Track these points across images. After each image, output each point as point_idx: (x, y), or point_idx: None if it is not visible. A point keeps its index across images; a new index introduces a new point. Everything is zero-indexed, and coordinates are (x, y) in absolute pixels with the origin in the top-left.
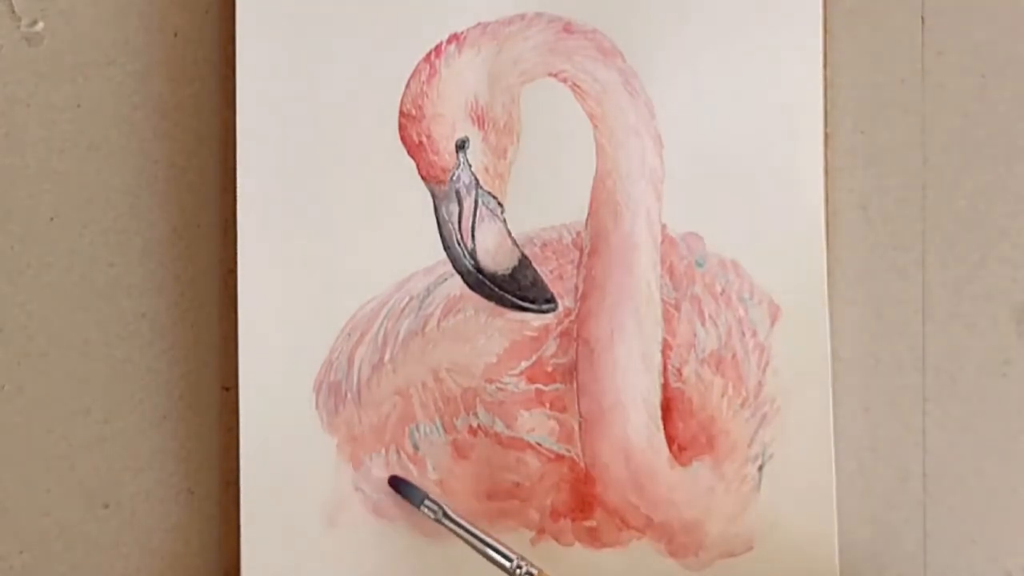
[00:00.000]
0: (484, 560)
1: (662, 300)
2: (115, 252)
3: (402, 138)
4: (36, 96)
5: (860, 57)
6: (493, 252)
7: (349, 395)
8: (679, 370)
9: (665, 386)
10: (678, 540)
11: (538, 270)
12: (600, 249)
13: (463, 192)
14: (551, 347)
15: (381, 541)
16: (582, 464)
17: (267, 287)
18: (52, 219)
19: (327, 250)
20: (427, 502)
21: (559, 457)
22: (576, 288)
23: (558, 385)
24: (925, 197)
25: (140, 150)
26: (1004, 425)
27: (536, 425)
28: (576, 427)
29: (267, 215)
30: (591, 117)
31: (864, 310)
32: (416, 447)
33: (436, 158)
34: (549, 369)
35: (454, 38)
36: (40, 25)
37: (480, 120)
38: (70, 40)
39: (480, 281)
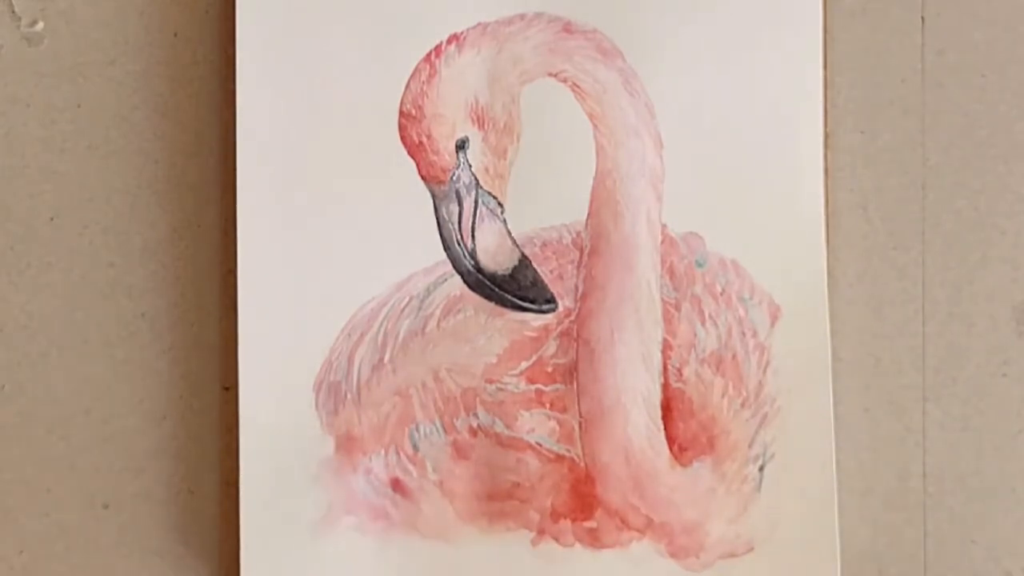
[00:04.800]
0: (483, 564)
1: (662, 300)
2: (115, 252)
3: (402, 138)
4: (36, 96)
5: (860, 57)
6: (493, 252)
7: (349, 395)
8: (679, 370)
9: (665, 386)
10: (678, 541)
11: (538, 270)
12: (600, 249)
13: (463, 192)
14: (551, 347)
15: (381, 542)
16: (582, 464)
17: (267, 287)
18: (52, 219)
19: (327, 250)
20: None
21: (559, 457)
22: (576, 288)
23: (558, 385)
24: (925, 197)
25: (140, 150)
26: (1004, 425)
27: (536, 425)
28: (576, 427)
29: (267, 215)
30: (591, 117)
31: (864, 310)
32: (416, 447)
33: (436, 158)
34: (549, 369)
35: (454, 38)
36: (40, 25)
37: (480, 120)
38: (70, 40)
39: (480, 281)
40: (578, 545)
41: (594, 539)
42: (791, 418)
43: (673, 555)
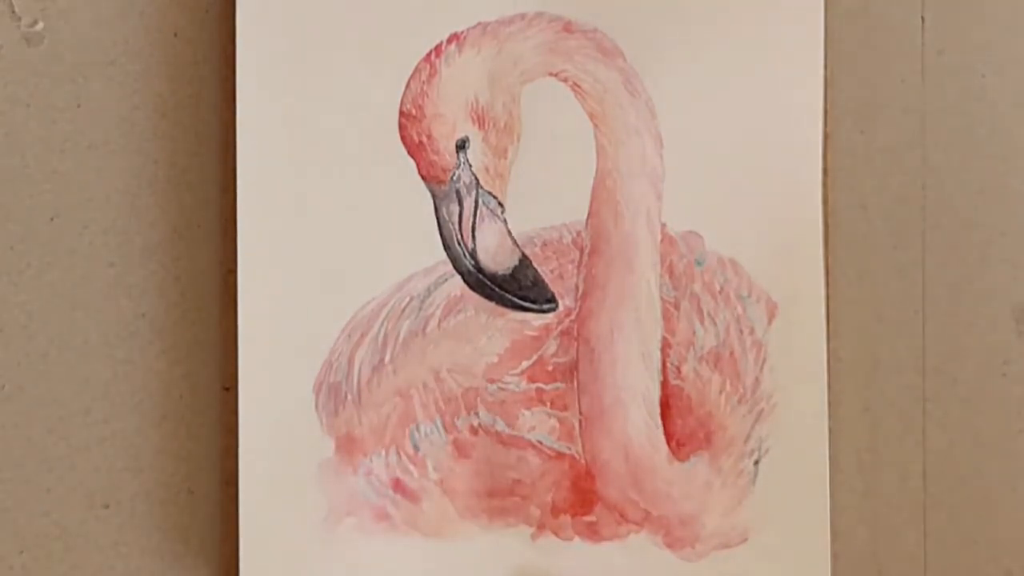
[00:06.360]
0: (484, 559)
1: (661, 298)
2: (115, 252)
3: (402, 138)
4: (36, 96)
5: (860, 57)
6: (493, 252)
7: (349, 396)
8: (678, 367)
9: (664, 383)
10: (675, 533)
11: (538, 270)
12: (600, 248)
13: (463, 192)
14: (552, 346)
15: (381, 542)
16: (582, 461)
17: (267, 287)
18: (52, 219)
19: (327, 250)
20: None
21: (559, 455)
22: (576, 287)
23: (559, 384)
24: (925, 197)
25: (140, 150)
26: (1004, 425)
27: (537, 424)
28: (576, 425)
29: (267, 215)
30: (591, 117)
31: (864, 310)
32: (416, 447)
33: (436, 158)
34: (550, 368)
35: (454, 38)
36: (40, 25)
37: (480, 120)
38: (70, 40)
39: (480, 281)
40: (577, 538)
41: (593, 532)
42: (786, 414)
43: (669, 546)
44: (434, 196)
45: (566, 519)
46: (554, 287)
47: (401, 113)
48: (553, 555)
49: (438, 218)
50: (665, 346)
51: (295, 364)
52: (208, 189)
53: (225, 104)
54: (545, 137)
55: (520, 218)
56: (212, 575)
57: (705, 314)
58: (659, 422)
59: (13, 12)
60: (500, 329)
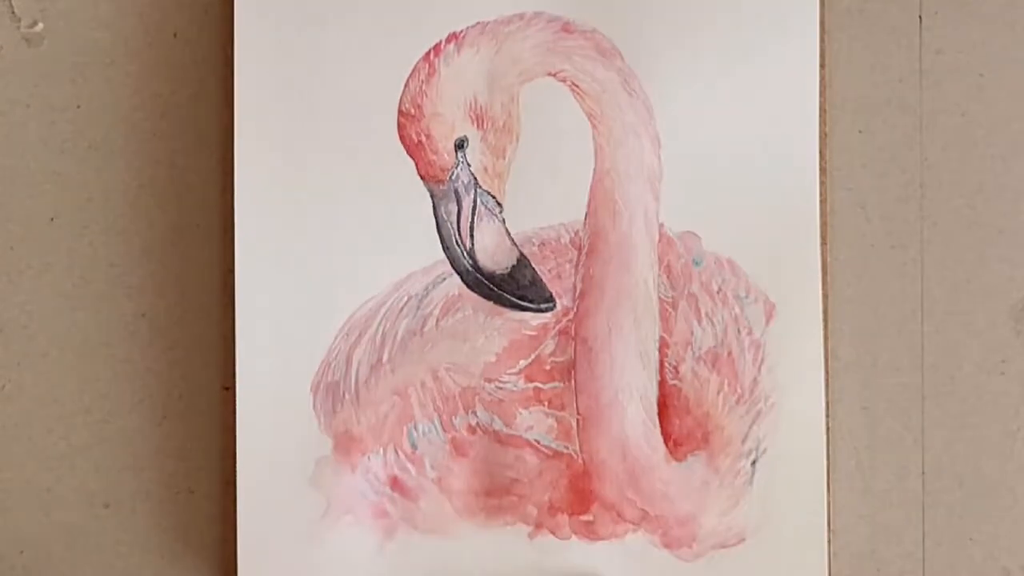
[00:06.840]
0: (481, 558)
1: (659, 298)
2: (115, 252)
3: (401, 137)
4: (36, 96)
5: (858, 56)
6: (492, 251)
7: (347, 395)
8: (676, 367)
9: (662, 383)
10: (672, 532)
11: (536, 269)
12: (598, 248)
13: (462, 191)
14: (549, 346)
15: (379, 539)
16: (580, 460)
17: (265, 287)
18: (52, 219)
19: (325, 250)
20: None
21: (557, 454)
22: (574, 287)
23: (556, 383)
24: (923, 196)
25: (140, 150)
26: (1002, 423)
27: (534, 423)
28: (574, 424)
29: (265, 215)
30: (590, 117)
31: (862, 309)
32: (414, 446)
33: (435, 157)
34: (547, 367)
35: (453, 37)
36: (40, 25)
37: (479, 119)
38: (70, 40)
39: (479, 280)
40: (574, 537)
41: (590, 531)
42: (784, 414)
43: (667, 546)
44: (432, 195)
45: (563, 518)
46: (552, 287)
47: (400, 112)
48: (550, 554)
49: (436, 217)
50: (663, 346)
51: (293, 364)
52: (208, 189)
53: (225, 104)
54: (544, 137)
55: (518, 217)
56: (212, 575)
57: (703, 314)
58: (657, 422)
59: (13, 13)
60: (498, 328)
